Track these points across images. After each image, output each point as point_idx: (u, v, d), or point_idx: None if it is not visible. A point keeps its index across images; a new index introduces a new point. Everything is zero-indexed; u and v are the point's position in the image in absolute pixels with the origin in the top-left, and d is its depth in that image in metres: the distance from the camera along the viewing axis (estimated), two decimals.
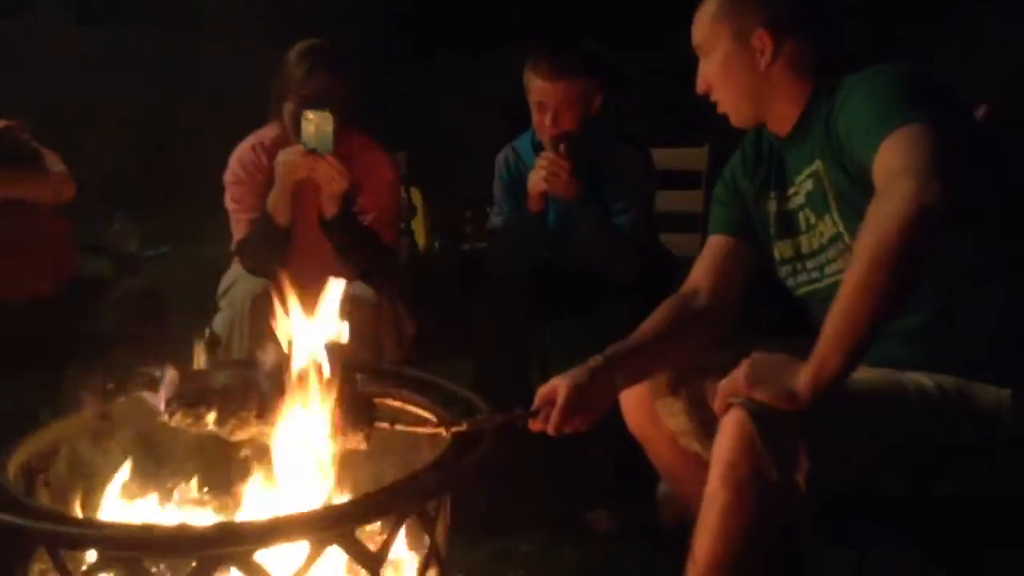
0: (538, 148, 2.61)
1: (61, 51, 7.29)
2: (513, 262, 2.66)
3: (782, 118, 1.64)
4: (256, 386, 1.46)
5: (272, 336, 1.69)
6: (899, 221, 1.23)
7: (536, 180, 2.50)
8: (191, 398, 1.42)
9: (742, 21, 1.59)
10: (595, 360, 1.60)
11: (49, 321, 2.31)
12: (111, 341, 2.16)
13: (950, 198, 1.23)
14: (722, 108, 1.67)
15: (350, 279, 2.45)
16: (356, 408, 1.46)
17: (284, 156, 2.39)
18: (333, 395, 1.43)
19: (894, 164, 1.31)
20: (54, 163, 2.50)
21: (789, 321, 1.77)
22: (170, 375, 1.43)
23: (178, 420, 1.41)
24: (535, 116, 2.56)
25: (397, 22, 8.31)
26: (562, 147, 2.48)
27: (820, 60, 1.59)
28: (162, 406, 1.43)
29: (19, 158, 2.44)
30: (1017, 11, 5.74)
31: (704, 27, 1.64)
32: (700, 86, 1.67)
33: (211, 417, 1.44)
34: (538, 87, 2.51)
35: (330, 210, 2.43)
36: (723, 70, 1.62)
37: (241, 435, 1.44)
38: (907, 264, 1.24)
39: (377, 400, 1.55)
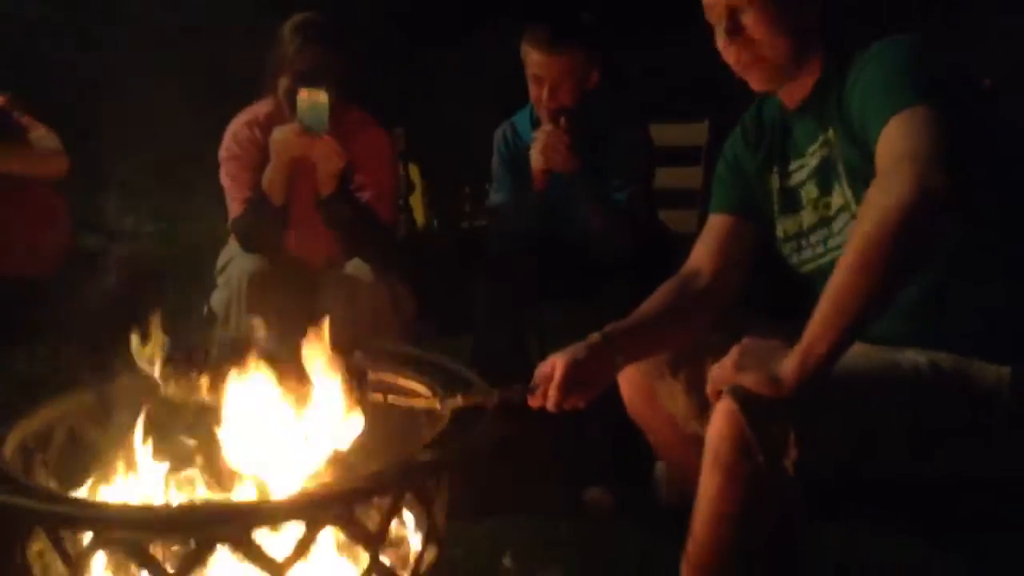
0: (536, 123, 2.60)
1: (57, 24, 7.21)
2: (512, 239, 2.65)
3: (797, 87, 1.59)
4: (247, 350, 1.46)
5: (268, 314, 1.70)
6: (898, 206, 1.21)
7: (537, 157, 2.49)
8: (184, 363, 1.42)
9: None
10: (593, 337, 1.59)
11: (45, 296, 2.30)
12: (104, 308, 2.15)
13: (951, 185, 1.21)
14: (751, 67, 1.56)
15: (348, 257, 2.49)
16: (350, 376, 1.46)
17: (279, 134, 2.37)
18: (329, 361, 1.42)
19: (898, 147, 1.29)
20: (48, 137, 2.47)
21: (791, 301, 1.76)
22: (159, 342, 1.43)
23: (174, 390, 1.42)
24: (532, 90, 2.53)
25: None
26: (562, 120, 2.47)
27: (842, 32, 1.55)
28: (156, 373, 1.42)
29: (11, 133, 2.42)
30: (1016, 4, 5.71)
31: None
32: (727, 42, 1.55)
33: (204, 381, 1.44)
34: (535, 60, 2.49)
35: (326, 188, 2.41)
36: (772, 10, 1.51)
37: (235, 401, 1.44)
38: (903, 251, 1.22)
39: (372, 375, 1.54)
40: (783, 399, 1.28)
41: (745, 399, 1.30)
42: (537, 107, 2.56)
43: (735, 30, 1.54)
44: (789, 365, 1.28)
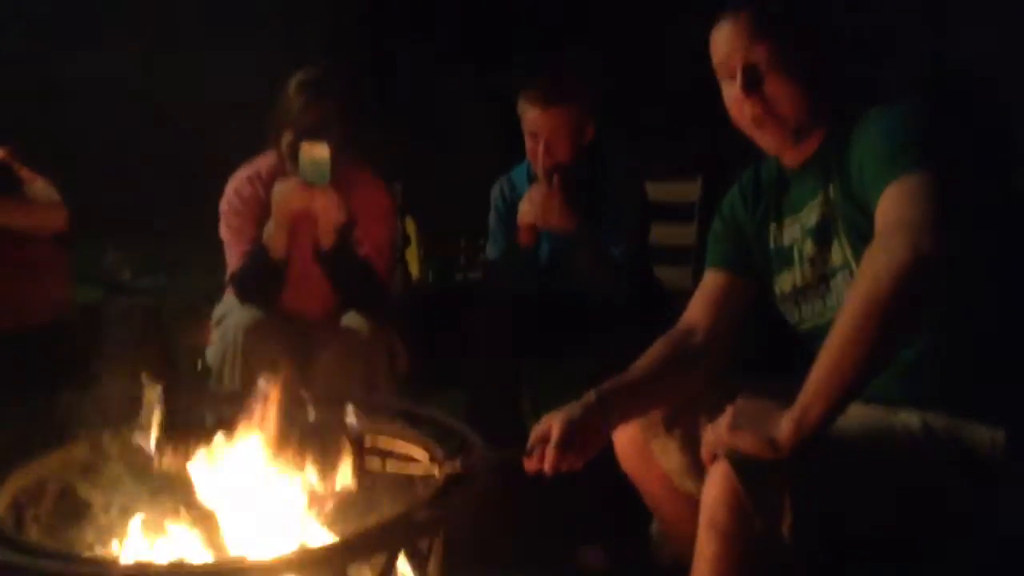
0: (533, 179, 2.63)
1: (52, 76, 7.31)
2: (505, 294, 2.66)
3: (801, 147, 1.60)
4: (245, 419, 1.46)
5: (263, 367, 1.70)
6: (893, 274, 1.24)
7: (524, 212, 2.50)
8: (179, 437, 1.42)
9: (802, 21, 1.54)
10: (588, 396, 1.59)
11: (41, 348, 2.30)
12: (110, 360, 2.15)
13: (944, 251, 1.24)
14: (767, 126, 1.56)
15: (344, 310, 2.50)
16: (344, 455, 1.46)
17: (281, 187, 2.39)
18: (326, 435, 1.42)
19: (893, 214, 1.32)
20: (47, 190, 2.49)
21: (784, 357, 1.77)
22: (156, 415, 1.44)
23: (169, 462, 1.42)
24: (528, 145, 2.57)
25: (391, 52, 8.34)
26: (555, 178, 2.50)
27: (847, 90, 1.58)
28: (152, 448, 1.43)
29: (10, 186, 2.44)
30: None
31: (753, 22, 1.53)
32: (742, 96, 1.54)
33: (201, 451, 1.43)
34: (531, 117, 2.53)
35: (327, 241, 2.43)
36: (785, 68, 1.51)
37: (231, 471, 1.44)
38: (898, 317, 1.25)
39: (368, 439, 1.54)
40: (779, 462, 1.29)
41: (740, 462, 1.30)
42: (533, 162, 2.59)
43: (752, 85, 1.53)
44: (785, 428, 1.28)
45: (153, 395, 1.52)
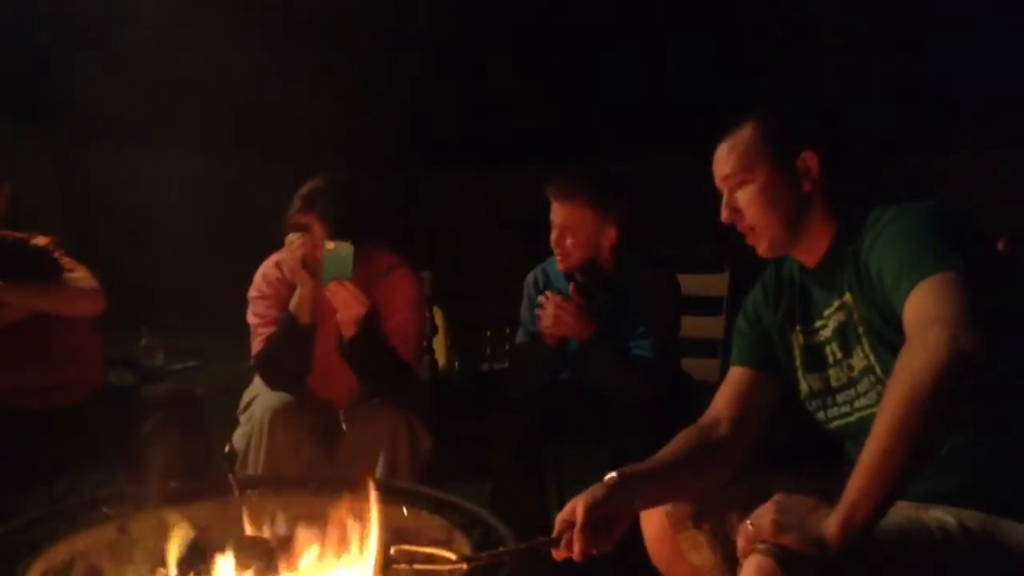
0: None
1: (97, 169, 7.58)
2: (534, 383, 2.67)
3: (811, 247, 1.65)
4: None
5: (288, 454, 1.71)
6: (931, 370, 1.24)
7: (544, 324, 2.52)
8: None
9: (787, 142, 1.62)
10: (611, 477, 1.57)
11: (72, 430, 2.32)
12: (148, 446, 2.18)
13: (981, 347, 1.25)
14: (754, 237, 1.66)
15: (369, 397, 2.52)
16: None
17: (288, 243, 2.51)
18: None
19: (924, 312, 1.33)
20: (87, 279, 2.56)
21: (810, 452, 1.75)
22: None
23: None
24: (552, 236, 2.61)
25: (421, 145, 8.57)
26: (572, 287, 2.53)
27: (850, 189, 1.63)
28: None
29: (53, 273, 2.51)
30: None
31: (740, 153, 1.63)
32: (728, 215, 1.66)
33: None
34: (553, 207, 2.59)
35: (348, 332, 2.49)
36: (764, 196, 1.62)
37: None
38: (939, 413, 1.25)
39: (394, 545, 1.53)
40: (823, 560, 1.27)
41: (783, 558, 1.28)
42: (556, 254, 2.64)
43: (733, 209, 1.65)
44: (833, 526, 1.27)
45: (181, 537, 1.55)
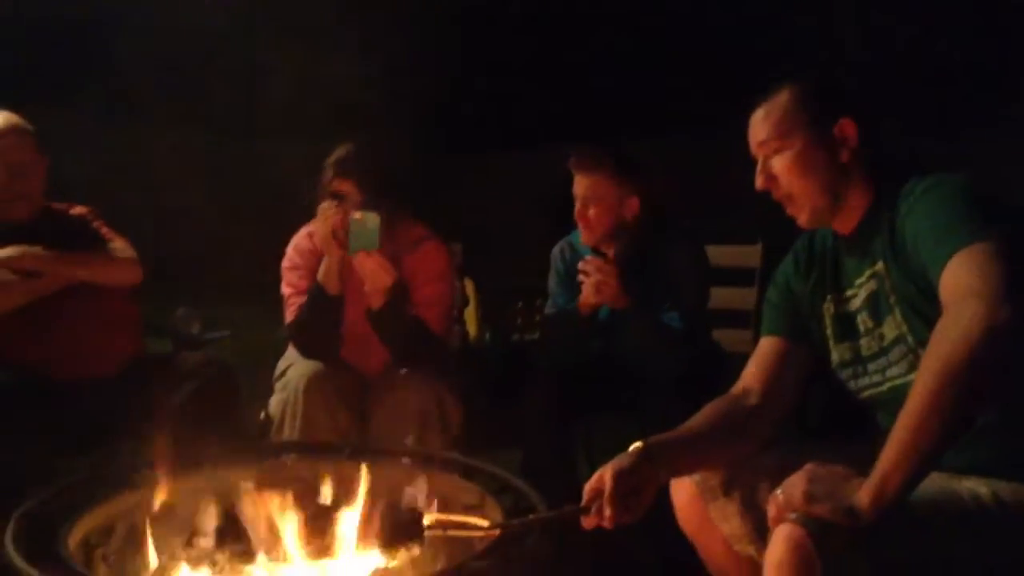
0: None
1: (128, 149, 7.69)
2: (564, 354, 2.68)
3: (847, 216, 1.63)
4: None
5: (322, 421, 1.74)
6: (967, 343, 1.24)
7: (587, 293, 2.53)
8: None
9: (824, 110, 1.60)
10: (637, 446, 1.58)
11: (112, 398, 2.37)
12: (183, 412, 2.21)
13: (1018, 320, 1.24)
14: (794, 207, 1.65)
15: (398, 366, 2.55)
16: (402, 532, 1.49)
17: (319, 215, 2.51)
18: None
19: (962, 284, 1.32)
20: (125, 248, 2.59)
21: (840, 421, 1.75)
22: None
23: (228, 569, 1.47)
24: (576, 208, 2.62)
25: (454, 115, 8.57)
26: (609, 254, 2.53)
27: (886, 159, 1.61)
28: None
29: (92, 243, 2.55)
30: None
31: (776, 119, 1.62)
32: (763, 182, 1.64)
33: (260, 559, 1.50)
34: (576, 179, 2.61)
35: (376, 303, 2.51)
36: (800, 163, 1.60)
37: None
38: (974, 386, 1.24)
39: (428, 509, 1.55)
40: (856, 530, 1.27)
41: (816, 528, 1.28)
42: (579, 225, 2.64)
43: (768, 177, 1.63)
44: (865, 496, 1.27)
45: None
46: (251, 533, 1.53)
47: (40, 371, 2.38)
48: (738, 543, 1.67)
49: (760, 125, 1.65)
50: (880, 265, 1.57)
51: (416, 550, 1.48)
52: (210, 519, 1.58)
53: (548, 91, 8.74)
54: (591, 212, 2.58)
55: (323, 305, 2.53)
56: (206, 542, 1.56)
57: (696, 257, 2.68)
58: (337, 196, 2.52)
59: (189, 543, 1.58)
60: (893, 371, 1.57)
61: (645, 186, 2.62)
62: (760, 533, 1.55)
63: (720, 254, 3.04)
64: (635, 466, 1.54)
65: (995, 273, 1.30)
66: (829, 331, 1.70)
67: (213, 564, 1.52)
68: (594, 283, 2.50)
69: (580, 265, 2.55)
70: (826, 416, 1.96)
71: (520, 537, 1.48)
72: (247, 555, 1.52)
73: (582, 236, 2.64)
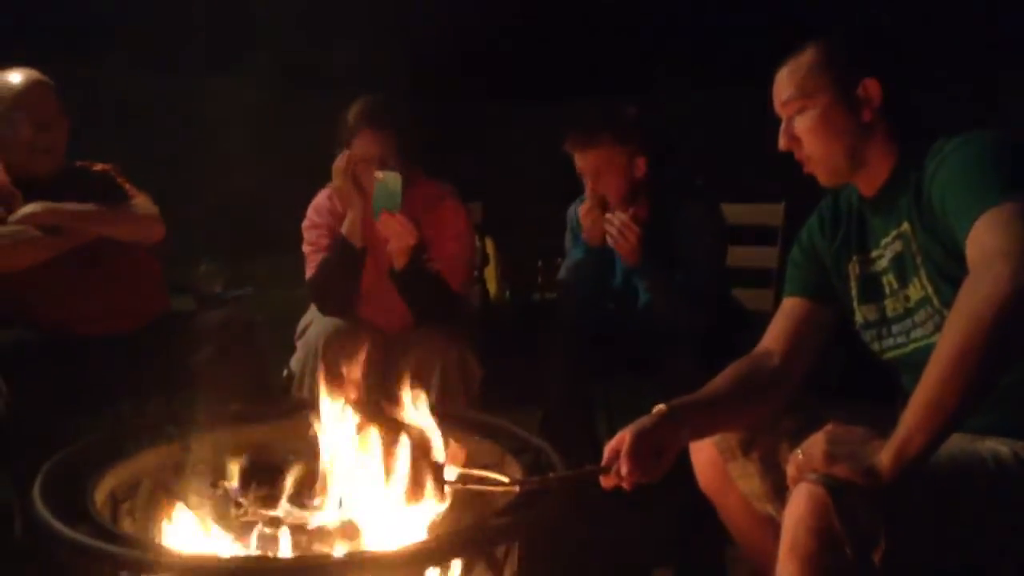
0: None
1: (147, 100, 7.67)
2: (581, 305, 2.67)
3: (871, 177, 1.61)
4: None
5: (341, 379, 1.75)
6: (994, 304, 1.22)
7: (595, 235, 2.52)
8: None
9: (848, 70, 1.57)
10: (660, 408, 1.58)
11: (136, 354, 2.39)
12: (206, 370, 2.23)
13: None
14: (813, 166, 1.63)
15: (419, 324, 2.56)
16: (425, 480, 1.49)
17: (335, 167, 2.50)
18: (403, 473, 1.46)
19: (989, 244, 1.30)
20: (147, 205, 2.60)
21: (861, 383, 1.74)
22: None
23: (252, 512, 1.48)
24: (588, 186, 2.59)
25: (474, 74, 8.49)
26: (631, 211, 2.51)
27: (912, 118, 1.58)
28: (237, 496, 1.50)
29: (114, 199, 2.55)
30: None
31: (800, 78, 1.60)
32: (786, 143, 1.63)
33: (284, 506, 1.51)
34: (576, 158, 2.57)
35: (399, 262, 2.53)
36: (823, 122, 1.59)
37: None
38: (1000, 348, 1.23)
39: (451, 463, 1.56)
40: (875, 491, 1.27)
41: (835, 488, 1.28)
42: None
43: (791, 135, 1.61)
44: (886, 457, 1.27)
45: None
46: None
47: (63, 328, 2.40)
48: (757, 502, 1.68)
49: (784, 84, 1.62)
50: (906, 226, 1.55)
51: (439, 503, 1.49)
52: (236, 464, 1.59)
53: (574, 45, 8.62)
54: (603, 184, 2.54)
55: (347, 259, 2.53)
56: (231, 485, 1.58)
57: (709, 215, 2.63)
58: (361, 146, 2.50)
59: (214, 485, 1.60)
60: (917, 332, 1.56)
61: (647, 140, 2.58)
62: (779, 493, 1.56)
63: (743, 212, 3.02)
64: (656, 427, 1.54)
65: (1022, 233, 1.27)
66: (854, 292, 1.69)
67: (238, 506, 1.54)
68: (615, 237, 2.48)
69: (607, 216, 2.51)
70: (845, 377, 1.95)
71: (540, 494, 1.49)
72: (272, 499, 1.54)
73: (592, 197, 2.58)
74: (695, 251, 2.55)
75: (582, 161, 2.56)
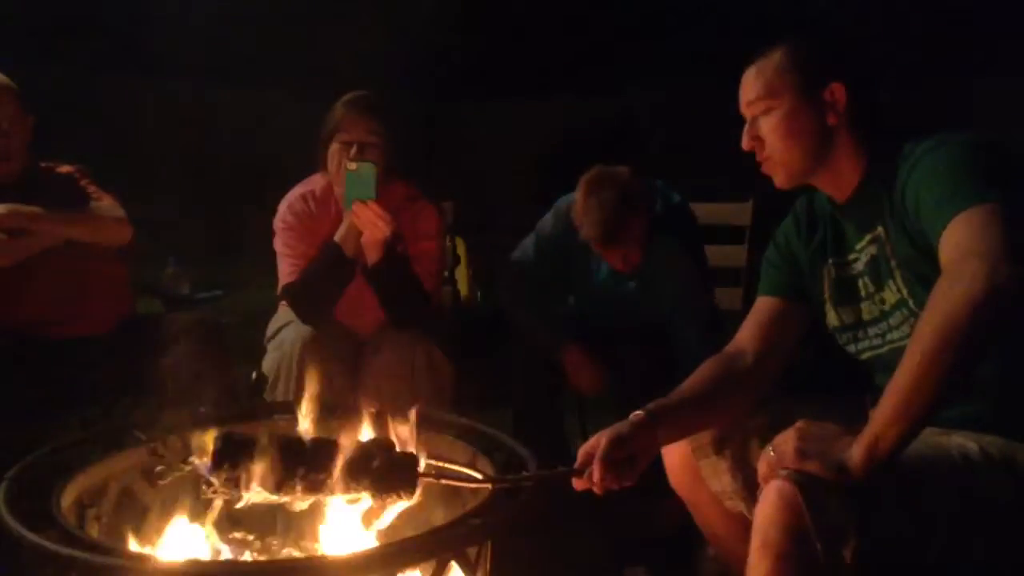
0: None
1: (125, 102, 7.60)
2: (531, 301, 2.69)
3: (840, 181, 1.62)
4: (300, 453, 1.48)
5: (318, 383, 1.73)
6: (967, 303, 1.23)
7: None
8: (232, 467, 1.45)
9: (816, 73, 1.58)
10: (638, 414, 1.58)
11: (102, 358, 2.36)
12: (175, 374, 2.20)
13: (1019, 281, 1.23)
14: (771, 166, 1.64)
15: (391, 324, 2.54)
16: (396, 474, 1.47)
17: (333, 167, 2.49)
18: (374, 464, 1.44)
19: (962, 244, 1.31)
20: (113, 207, 2.56)
21: (831, 378, 1.76)
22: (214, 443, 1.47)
23: (221, 491, 1.45)
24: (617, 266, 2.61)
25: (444, 73, 8.48)
26: (623, 253, 2.54)
27: (879, 123, 1.60)
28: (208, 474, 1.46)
29: (80, 201, 2.52)
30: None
31: (766, 80, 1.60)
32: (749, 143, 1.64)
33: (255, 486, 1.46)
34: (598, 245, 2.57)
35: (372, 256, 2.46)
36: (786, 124, 1.59)
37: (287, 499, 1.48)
38: (972, 347, 1.24)
39: (423, 456, 1.54)
40: (846, 487, 1.28)
41: (805, 484, 1.29)
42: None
43: (752, 133, 1.62)
44: (856, 453, 1.28)
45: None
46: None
47: (28, 331, 2.37)
48: (728, 500, 1.69)
49: (751, 84, 1.63)
50: (880, 229, 1.56)
51: (409, 496, 1.48)
52: (208, 442, 1.55)
53: (542, 42, 8.63)
54: (631, 254, 2.56)
55: (336, 268, 2.47)
56: (202, 463, 1.54)
57: (690, 259, 2.65)
58: (353, 143, 2.46)
59: (185, 462, 1.56)
60: (894, 335, 1.58)
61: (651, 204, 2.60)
62: (750, 491, 1.56)
63: (711, 211, 3.04)
64: (633, 435, 1.54)
65: (996, 234, 1.29)
66: (827, 294, 1.70)
67: (208, 484, 1.51)
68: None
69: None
70: (818, 375, 1.97)
71: (512, 493, 1.49)
72: (242, 479, 1.50)
73: (619, 265, 2.60)
74: (687, 302, 2.57)
75: (605, 247, 2.56)
